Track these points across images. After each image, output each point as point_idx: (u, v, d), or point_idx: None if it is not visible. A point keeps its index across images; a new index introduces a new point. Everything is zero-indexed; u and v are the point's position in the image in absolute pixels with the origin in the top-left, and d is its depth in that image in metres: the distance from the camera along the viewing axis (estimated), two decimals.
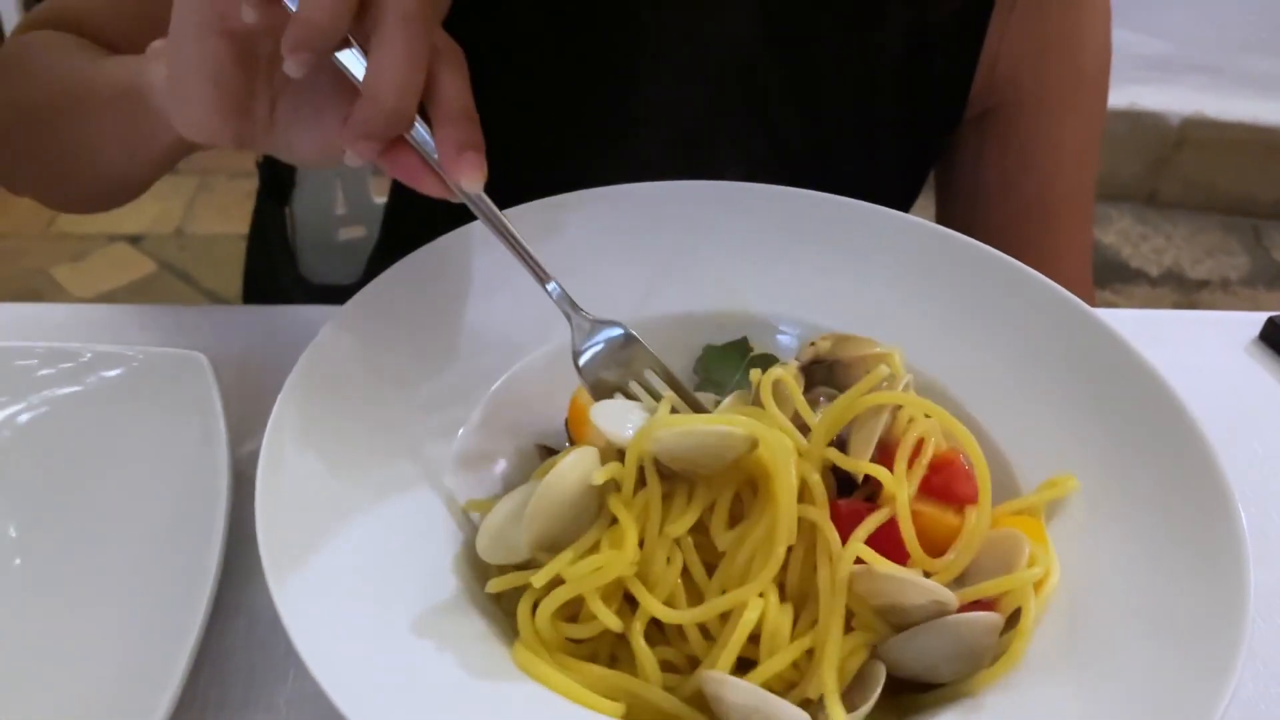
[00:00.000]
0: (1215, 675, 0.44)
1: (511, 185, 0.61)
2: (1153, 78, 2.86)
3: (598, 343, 0.58)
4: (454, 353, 0.62)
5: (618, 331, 0.58)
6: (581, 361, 0.58)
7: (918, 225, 0.69)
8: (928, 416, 0.54)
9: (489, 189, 0.54)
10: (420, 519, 0.54)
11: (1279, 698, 0.56)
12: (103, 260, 2.53)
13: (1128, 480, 0.55)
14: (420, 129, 0.52)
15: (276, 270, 1.18)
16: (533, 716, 0.46)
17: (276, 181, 1.16)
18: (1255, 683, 0.57)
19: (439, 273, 0.64)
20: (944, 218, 0.97)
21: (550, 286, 0.57)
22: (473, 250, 0.65)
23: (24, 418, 0.63)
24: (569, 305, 0.58)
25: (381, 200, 1.24)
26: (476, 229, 0.65)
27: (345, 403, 0.56)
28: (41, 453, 0.61)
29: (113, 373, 0.65)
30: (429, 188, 0.53)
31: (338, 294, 0.62)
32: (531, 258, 0.56)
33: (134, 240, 2.58)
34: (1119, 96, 2.79)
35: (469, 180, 0.52)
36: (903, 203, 0.93)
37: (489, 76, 0.81)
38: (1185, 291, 2.67)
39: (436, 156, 0.52)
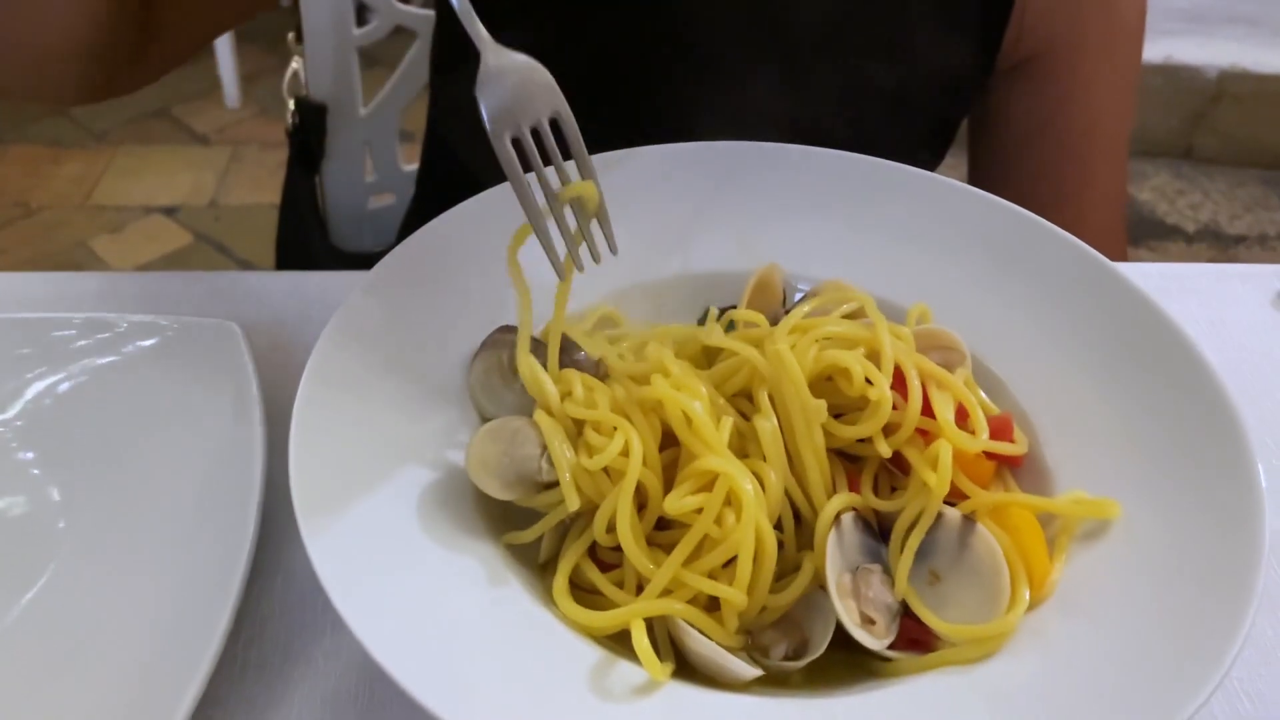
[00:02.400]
0: (1229, 618, 0.45)
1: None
2: (1189, 30, 2.81)
3: (505, 72, 0.53)
4: (480, 312, 0.63)
5: (529, 62, 0.53)
6: (480, 90, 0.52)
7: (939, 182, 0.70)
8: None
9: None
10: (448, 473, 0.55)
11: None
12: (139, 232, 2.56)
13: (1148, 431, 0.55)
14: None
15: (308, 239, 1.20)
16: (562, 655, 0.48)
17: (306, 151, 1.17)
18: (1275, 629, 0.57)
19: (464, 235, 0.65)
20: (977, 167, 0.97)
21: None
22: (497, 213, 0.65)
23: (63, 386, 0.64)
24: (476, 26, 0.53)
25: (411, 168, 1.25)
26: (499, 193, 0.66)
27: (374, 363, 0.58)
28: (81, 420, 0.63)
29: (148, 342, 0.66)
30: None
31: (369, 261, 0.63)
32: None
33: (169, 212, 2.61)
34: (1154, 50, 2.75)
35: None
36: (936, 151, 0.94)
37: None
38: (1222, 247, 2.64)
39: None
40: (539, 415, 0.54)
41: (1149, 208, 2.74)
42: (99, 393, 0.64)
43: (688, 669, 0.49)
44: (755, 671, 0.49)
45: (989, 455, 0.55)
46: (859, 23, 0.84)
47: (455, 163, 1.01)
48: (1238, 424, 0.53)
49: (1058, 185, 0.91)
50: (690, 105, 0.84)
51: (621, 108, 0.84)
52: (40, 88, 0.69)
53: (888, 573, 0.52)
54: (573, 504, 0.52)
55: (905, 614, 0.51)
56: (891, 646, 0.50)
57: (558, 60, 0.54)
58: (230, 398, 0.62)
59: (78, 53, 0.63)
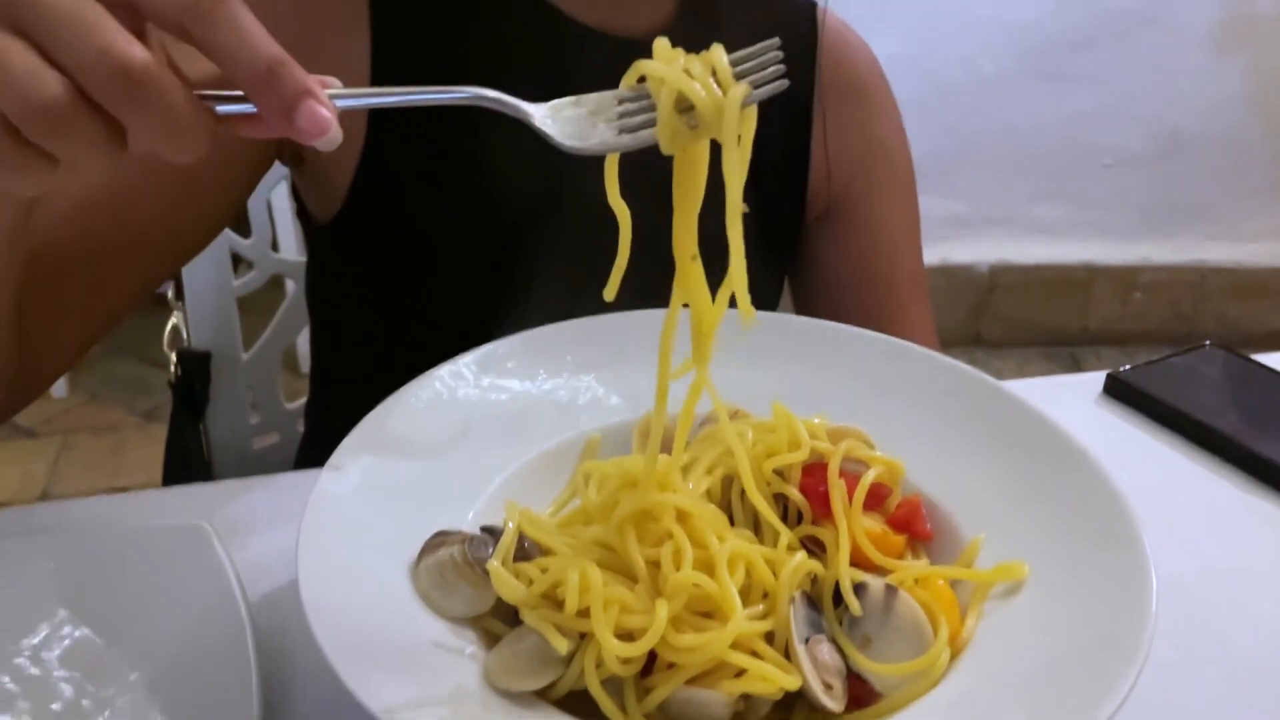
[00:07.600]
0: (1130, 642, 0.53)
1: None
2: (958, 234, 3.16)
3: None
4: (453, 470, 0.69)
5: None
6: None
7: (809, 323, 0.82)
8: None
9: None
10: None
11: None
12: None
13: (1039, 504, 0.66)
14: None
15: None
16: None
17: (190, 398, 1.21)
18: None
19: (421, 408, 0.71)
20: (802, 312, 1.08)
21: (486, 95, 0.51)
22: (435, 393, 0.72)
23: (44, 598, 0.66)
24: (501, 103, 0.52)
25: (294, 405, 1.30)
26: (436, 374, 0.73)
27: (363, 533, 0.62)
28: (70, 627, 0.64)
29: (122, 547, 0.69)
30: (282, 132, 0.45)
31: None
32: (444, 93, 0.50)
33: None
34: (932, 254, 3.00)
35: (321, 140, 0.44)
36: (770, 303, 1.05)
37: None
38: None
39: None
40: (523, 614, 0.58)
41: None
42: (82, 604, 0.65)
43: None
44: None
45: (896, 529, 0.65)
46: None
47: (340, 396, 1.09)
48: (1116, 491, 0.63)
49: (878, 318, 1.01)
50: (527, 286, 0.92)
51: (450, 300, 0.93)
52: None
53: (831, 641, 0.60)
54: (561, 647, 0.56)
55: (849, 676, 0.59)
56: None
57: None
58: (213, 596, 0.65)
59: None
